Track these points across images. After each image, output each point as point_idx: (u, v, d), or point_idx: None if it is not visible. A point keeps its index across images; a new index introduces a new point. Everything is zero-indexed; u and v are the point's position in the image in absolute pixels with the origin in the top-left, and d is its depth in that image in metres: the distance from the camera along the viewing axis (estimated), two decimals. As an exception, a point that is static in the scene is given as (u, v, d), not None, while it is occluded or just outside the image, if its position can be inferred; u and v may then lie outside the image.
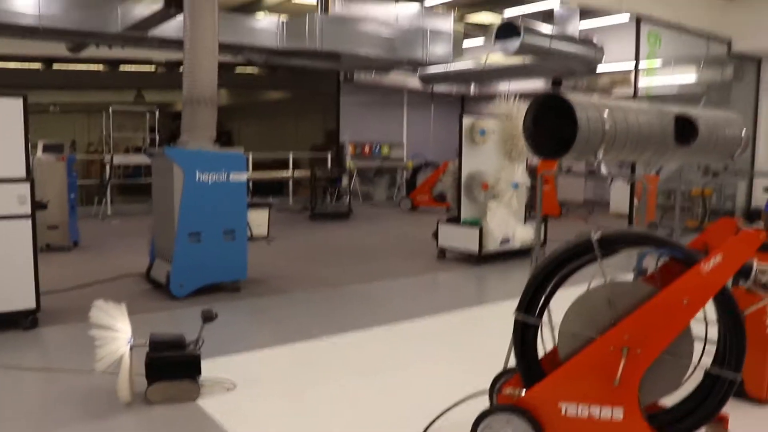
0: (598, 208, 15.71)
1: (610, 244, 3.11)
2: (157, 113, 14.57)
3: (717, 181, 12.91)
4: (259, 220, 10.08)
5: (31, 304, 5.56)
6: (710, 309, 3.05)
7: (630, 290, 3.05)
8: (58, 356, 5.07)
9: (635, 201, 11.52)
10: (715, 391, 3.05)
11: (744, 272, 3.09)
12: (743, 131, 5.52)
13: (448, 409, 3.71)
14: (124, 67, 18.52)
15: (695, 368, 3.12)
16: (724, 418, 3.22)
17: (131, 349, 3.97)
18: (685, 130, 4.94)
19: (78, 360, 4.69)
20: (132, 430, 3.79)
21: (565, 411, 3.06)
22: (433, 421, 3.68)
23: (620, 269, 3.27)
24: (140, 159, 15.16)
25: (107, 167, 13.98)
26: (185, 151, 6.68)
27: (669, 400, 3.23)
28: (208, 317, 4.16)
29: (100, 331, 3.91)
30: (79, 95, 22.10)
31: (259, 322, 6.17)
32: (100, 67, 18.48)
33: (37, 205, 5.66)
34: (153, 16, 8.66)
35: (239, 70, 17.20)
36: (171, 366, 4.04)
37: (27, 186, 5.49)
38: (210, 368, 4.33)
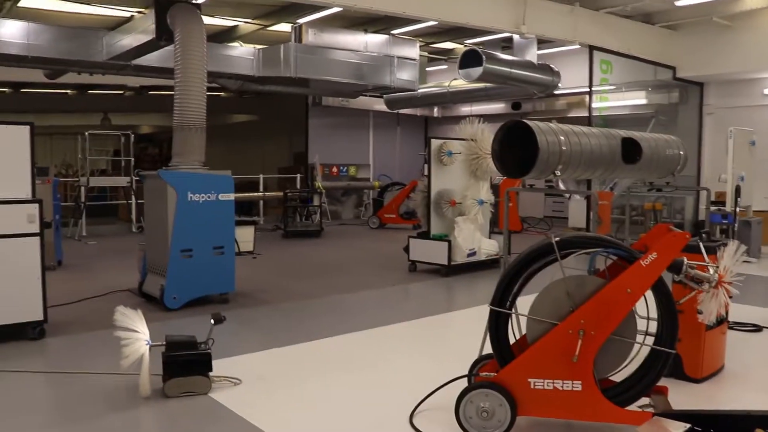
0: (557, 223, 16.51)
1: (567, 246, 3.74)
2: (132, 137, 14.94)
3: (667, 196, 13.79)
4: (245, 236, 10.61)
5: (38, 315, 5.98)
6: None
7: (584, 283, 3.69)
8: (69, 361, 5.47)
9: (591, 215, 12.32)
10: (654, 366, 3.70)
11: (677, 268, 3.74)
12: (681, 151, 6.29)
13: (433, 392, 4.30)
14: (92, 91, 18.80)
15: (640, 347, 3.78)
16: (664, 389, 3.86)
17: (150, 348, 4.47)
18: (631, 150, 5.67)
19: (89, 364, 5.21)
20: (156, 419, 4.30)
21: (534, 385, 3.68)
22: (420, 402, 4.26)
23: (576, 270, 3.92)
24: (115, 181, 15.52)
25: (82, 189, 14.30)
26: (178, 173, 7.19)
27: (619, 377, 3.87)
28: (218, 319, 4.69)
29: (123, 332, 4.41)
30: (44, 118, 22.20)
31: (249, 329, 6.66)
32: (67, 90, 18.74)
33: (45, 224, 6.12)
34: (141, 46, 9.15)
35: (210, 93, 17.62)
36: (186, 363, 4.55)
37: (36, 206, 5.97)
38: (214, 368, 4.82)
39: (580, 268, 3.90)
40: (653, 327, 3.86)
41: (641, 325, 3.83)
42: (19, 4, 10.91)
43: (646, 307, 3.86)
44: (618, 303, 3.57)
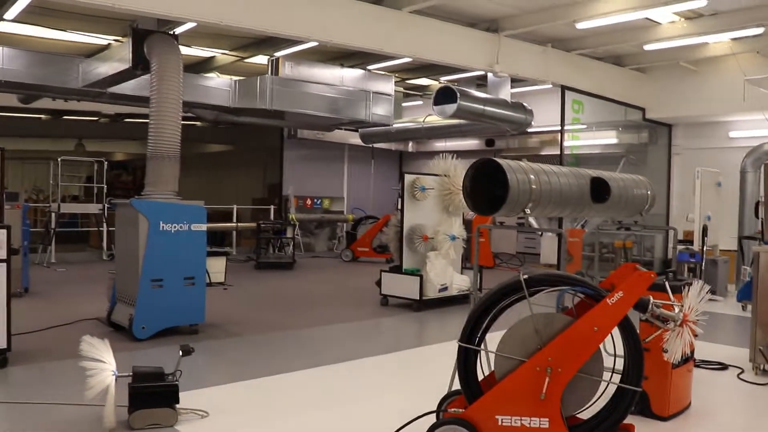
0: (529, 259, 16.64)
1: (536, 284, 3.79)
2: (105, 164, 14.85)
3: (637, 234, 13.98)
4: (216, 267, 10.55)
5: (2, 343, 5.87)
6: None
7: (552, 321, 3.73)
8: (31, 392, 5.37)
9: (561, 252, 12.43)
10: (621, 403, 3.74)
11: (642, 307, 3.80)
12: (649, 191, 6.41)
13: (402, 428, 4.28)
14: (66, 117, 18.64)
15: (607, 385, 3.81)
16: (631, 427, 3.89)
17: (116, 379, 4.41)
18: (600, 190, 5.77)
19: (52, 395, 5.11)
20: (119, 452, 4.22)
21: (501, 422, 3.69)
22: (389, 438, 4.25)
23: (544, 307, 3.96)
24: (86, 208, 15.37)
25: (53, 215, 14.14)
26: (151, 203, 7.16)
27: (586, 414, 3.90)
28: (186, 351, 4.64)
29: (89, 362, 4.35)
30: (17, 143, 21.96)
31: (218, 361, 6.60)
32: (41, 115, 18.57)
33: (13, 251, 6.04)
34: (117, 74, 9.16)
35: (185, 123, 17.54)
36: (152, 395, 4.49)
37: (3, 232, 5.88)
38: (181, 400, 4.76)
39: (549, 306, 3.94)
40: (620, 365, 3.91)
41: (608, 362, 3.88)
42: (-5, 30, 10.90)
43: (613, 344, 3.92)
44: (585, 341, 3.62)
